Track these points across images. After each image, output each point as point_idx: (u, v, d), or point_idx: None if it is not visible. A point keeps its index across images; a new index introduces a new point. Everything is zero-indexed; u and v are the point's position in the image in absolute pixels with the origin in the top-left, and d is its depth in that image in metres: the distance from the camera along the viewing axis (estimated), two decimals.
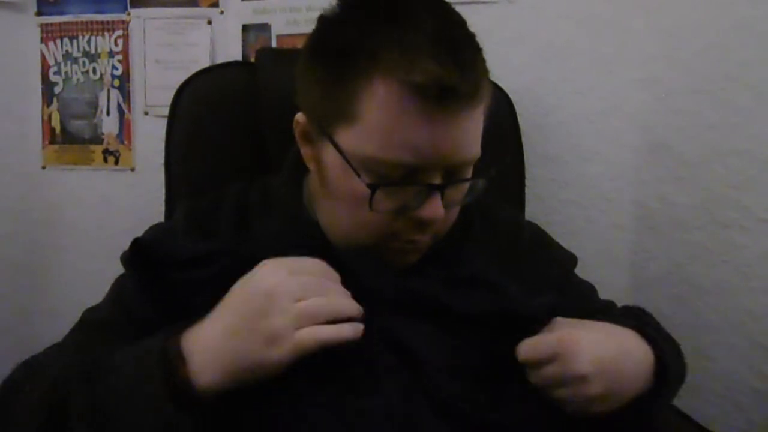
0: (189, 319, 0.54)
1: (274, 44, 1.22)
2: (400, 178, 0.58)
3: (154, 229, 0.72)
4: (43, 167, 1.35)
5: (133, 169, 1.32)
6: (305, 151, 0.65)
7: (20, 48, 1.32)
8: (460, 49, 0.55)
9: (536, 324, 0.60)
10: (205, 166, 0.94)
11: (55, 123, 1.34)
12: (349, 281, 0.56)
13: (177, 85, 0.95)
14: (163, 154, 0.95)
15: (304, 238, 0.66)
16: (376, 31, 0.56)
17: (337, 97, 0.58)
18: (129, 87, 1.30)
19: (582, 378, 0.56)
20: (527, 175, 1.05)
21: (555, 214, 1.14)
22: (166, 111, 0.95)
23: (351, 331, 0.52)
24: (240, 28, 1.24)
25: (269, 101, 0.93)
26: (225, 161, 0.94)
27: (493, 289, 0.63)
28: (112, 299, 0.66)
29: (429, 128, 0.55)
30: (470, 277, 0.65)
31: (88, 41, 1.30)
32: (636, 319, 0.70)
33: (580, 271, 0.80)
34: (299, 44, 1.22)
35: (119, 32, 1.29)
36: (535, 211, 1.08)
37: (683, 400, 0.73)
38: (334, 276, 0.55)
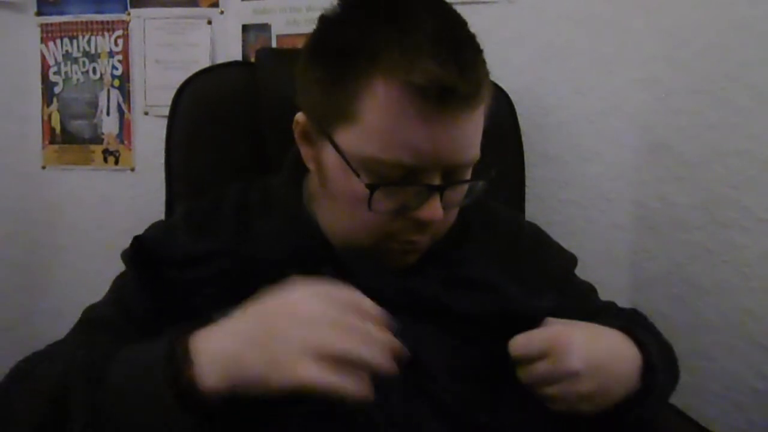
0: (194, 321, 0.53)
1: (274, 44, 1.22)
2: (399, 178, 0.58)
3: (155, 227, 0.72)
4: (43, 167, 1.35)
5: (133, 169, 1.32)
6: (305, 151, 0.65)
7: (20, 48, 1.32)
8: (461, 49, 0.55)
9: (536, 325, 0.60)
10: (205, 166, 0.94)
11: (55, 123, 1.34)
12: (348, 281, 0.56)
13: (177, 85, 0.95)
14: (163, 154, 0.95)
15: (303, 239, 0.66)
16: (377, 32, 0.56)
17: (337, 97, 0.58)
18: (129, 87, 1.30)
19: (574, 374, 0.56)
20: (527, 175, 1.05)
21: (555, 214, 1.14)
22: (166, 111, 0.95)
23: (356, 391, 0.46)
24: (240, 28, 1.24)
25: (269, 101, 0.93)
26: (225, 161, 0.94)
27: (492, 289, 0.63)
28: (112, 297, 0.66)
29: (429, 129, 0.55)
30: (470, 278, 0.65)
31: (88, 41, 1.30)
32: (629, 321, 0.70)
33: (580, 271, 0.80)
34: (299, 44, 1.22)
35: (119, 32, 1.29)
36: (535, 211, 1.08)
37: (683, 400, 0.74)
38: (369, 305, 0.50)
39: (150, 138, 1.27)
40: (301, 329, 0.47)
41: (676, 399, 0.79)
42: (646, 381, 0.60)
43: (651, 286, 1.10)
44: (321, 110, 0.60)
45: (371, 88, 0.55)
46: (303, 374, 0.45)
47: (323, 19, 0.62)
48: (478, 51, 0.58)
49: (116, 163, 1.32)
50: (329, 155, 0.60)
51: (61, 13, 1.30)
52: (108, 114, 1.31)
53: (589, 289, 0.79)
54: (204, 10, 1.25)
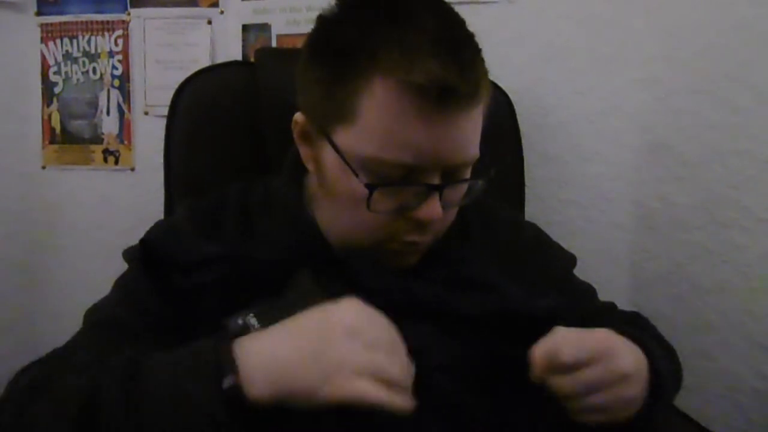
0: (218, 327, 0.53)
1: (274, 44, 1.22)
2: (398, 178, 0.57)
3: (158, 228, 0.71)
4: (43, 167, 1.35)
5: (133, 169, 1.32)
6: (304, 151, 0.65)
7: (20, 48, 1.32)
8: (460, 49, 0.55)
9: (536, 325, 0.59)
10: (205, 166, 0.94)
11: (55, 123, 1.34)
12: (349, 282, 0.56)
13: (177, 85, 0.95)
14: (163, 154, 0.94)
15: (304, 240, 0.66)
16: (376, 31, 0.56)
17: (337, 97, 0.58)
18: (129, 87, 1.30)
19: (625, 377, 0.54)
20: (527, 175, 1.05)
21: (555, 214, 1.14)
22: (166, 111, 0.95)
23: (403, 404, 0.49)
24: (240, 28, 1.24)
25: (269, 101, 0.93)
26: (225, 161, 0.94)
27: (493, 289, 0.63)
28: (119, 298, 0.65)
29: (428, 128, 0.55)
30: (470, 278, 0.65)
31: (88, 41, 1.30)
32: (631, 325, 0.70)
33: (580, 271, 0.80)
34: (299, 44, 1.22)
35: (119, 32, 1.29)
36: (535, 211, 1.08)
37: (683, 400, 0.73)
38: (402, 345, 0.52)
39: (150, 138, 1.27)
40: (357, 343, 0.49)
41: (676, 399, 0.79)
42: (654, 387, 0.59)
43: (651, 286, 1.10)
44: (320, 110, 0.60)
45: (370, 88, 0.55)
46: (360, 389, 0.47)
47: (322, 20, 0.62)
48: (477, 50, 0.58)
49: (116, 163, 1.32)
50: (328, 155, 0.60)
51: (61, 13, 1.30)
52: (108, 114, 1.31)
53: (589, 290, 0.79)
54: (204, 10, 1.25)
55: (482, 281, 0.64)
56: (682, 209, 1.06)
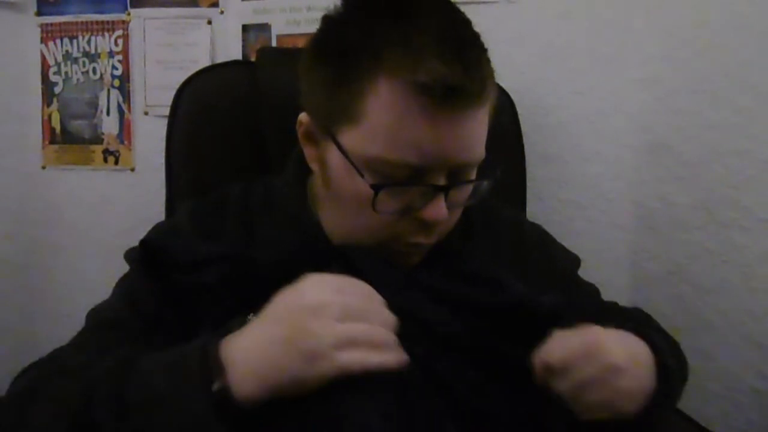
0: (218, 329, 0.53)
1: (274, 44, 1.22)
2: (404, 178, 0.57)
3: (158, 230, 0.71)
4: (43, 167, 1.35)
5: (133, 169, 1.32)
6: (308, 151, 0.65)
7: (20, 48, 1.32)
8: (466, 48, 0.55)
9: (540, 321, 0.59)
10: (205, 166, 0.94)
11: (55, 123, 1.34)
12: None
13: (177, 85, 0.95)
14: (163, 154, 0.95)
15: (306, 240, 0.65)
16: (380, 31, 0.56)
17: (341, 97, 0.57)
18: (129, 87, 1.30)
19: (617, 369, 0.54)
20: (527, 175, 1.05)
21: (555, 214, 1.14)
22: (166, 111, 0.95)
23: (395, 360, 0.50)
24: (240, 28, 1.24)
25: (269, 101, 0.93)
26: (225, 161, 0.94)
27: (497, 284, 0.63)
28: (120, 299, 0.65)
29: (434, 128, 0.55)
30: (474, 273, 0.65)
31: (88, 41, 1.30)
32: (636, 321, 0.70)
33: (580, 271, 0.80)
34: (299, 44, 1.23)
35: (119, 32, 1.29)
36: (535, 211, 1.08)
37: (683, 400, 0.73)
38: (378, 299, 0.53)
39: (150, 138, 1.27)
40: (325, 319, 0.49)
41: None
42: (663, 382, 0.59)
43: (651, 286, 1.10)
44: (325, 110, 0.60)
45: (375, 88, 0.55)
46: (350, 359, 0.48)
47: (326, 20, 0.61)
48: (482, 50, 0.58)
49: (116, 163, 1.32)
50: (333, 155, 0.60)
51: (61, 13, 1.30)
52: (108, 114, 1.31)
53: (593, 290, 0.79)
54: (204, 10, 1.25)
55: (486, 276, 0.64)
56: (682, 209, 1.06)
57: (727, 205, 1.02)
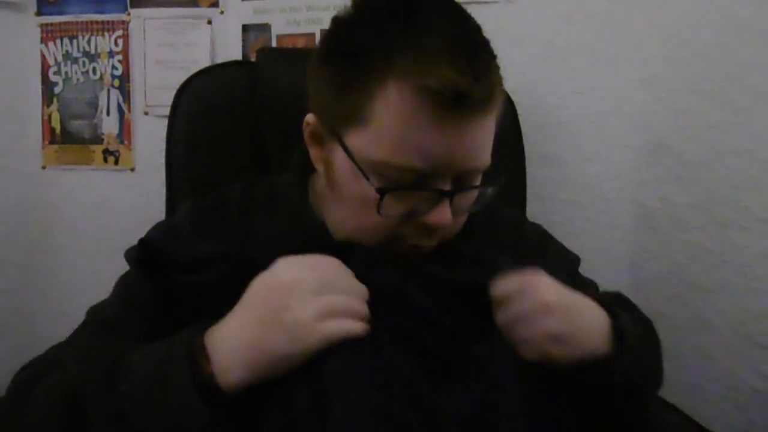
0: (206, 321, 0.54)
1: (274, 44, 1.22)
2: (409, 183, 0.57)
3: (158, 229, 0.71)
4: (43, 167, 1.35)
5: (133, 169, 1.32)
6: (314, 152, 0.65)
7: (20, 48, 1.32)
8: (476, 54, 0.55)
9: None
10: (205, 166, 0.94)
11: (55, 123, 1.34)
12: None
13: (177, 85, 0.95)
14: (163, 154, 0.94)
15: (308, 239, 0.65)
16: (392, 34, 0.56)
17: (349, 99, 0.57)
18: (129, 87, 1.30)
19: (546, 305, 0.56)
20: (527, 175, 1.04)
21: (555, 214, 1.14)
22: (166, 111, 0.95)
23: (363, 329, 0.54)
24: (240, 28, 1.24)
25: (269, 101, 0.93)
26: (225, 161, 0.94)
27: (494, 266, 0.63)
28: (118, 298, 0.66)
29: (441, 134, 0.55)
30: (475, 260, 0.65)
31: (88, 41, 1.30)
32: (608, 298, 0.69)
33: (580, 271, 0.80)
34: (299, 44, 1.23)
35: (119, 32, 1.29)
36: (535, 211, 1.08)
37: (683, 400, 0.73)
38: (348, 273, 0.56)
39: (150, 138, 1.27)
40: (302, 295, 0.52)
41: (677, 399, 0.79)
42: (616, 343, 0.59)
43: (651, 286, 1.10)
44: (332, 111, 0.60)
45: (384, 91, 0.55)
46: (326, 332, 0.51)
47: (336, 21, 0.61)
48: (492, 56, 0.58)
49: (116, 163, 1.32)
50: (339, 157, 0.60)
51: (61, 13, 1.30)
52: (108, 114, 1.31)
53: (593, 286, 0.79)
54: (204, 10, 1.25)
55: (482, 258, 0.64)
56: (682, 209, 1.06)
57: (727, 205, 1.02)
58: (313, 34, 1.19)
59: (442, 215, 0.58)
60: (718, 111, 1.02)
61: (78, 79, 1.32)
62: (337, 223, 0.65)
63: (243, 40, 1.24)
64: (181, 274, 0.61)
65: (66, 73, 1.32)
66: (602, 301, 0.63)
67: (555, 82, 1.13)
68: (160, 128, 0.96)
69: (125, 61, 1.29)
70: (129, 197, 1.31)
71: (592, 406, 0.60)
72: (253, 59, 1.14)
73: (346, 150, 0.58)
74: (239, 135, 0.95)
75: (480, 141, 0.58)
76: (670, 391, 0.78)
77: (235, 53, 1.24)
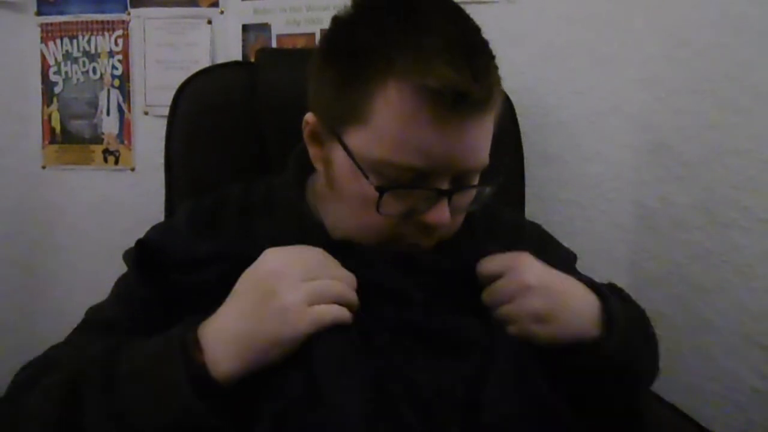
0: (199, 315, 0.55)
1: (274, 44, 1.22)
2: (408, 181, 0.58)
3: (157, 230, 0.72)
4: (43, 167, 1.35)
5: (133, 169, 1.32)
6: (314, 151, 0.65)
7: (20, 48, 1.32)
8: (475, 55, 0.55)
9: None
10: (205, 166, 0.94)
11: (55, 123, 1.34)
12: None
13: (177, 85, 0.95)
14: (163, 154, 0.95)
15: (307, 239, 0.66)
16: (392, 34, 0.56)
17: (349, 98, 0.58)
18: (129, 87, 1.30)
19: (527, 287, 0.57)
20: (527, 175, 1.05)
21: (555, 214, 1.14)
22: (166, 111, 0.95)
23: (351, 313, 0.55)
24: (240, 28, 1.24)
25: (269, 101, 0.93)
26: (225, 161, 0.94)
27: (485, 252, 0.63)
28: (116, 299, 0.66)
29: (440, 133, 0.55)
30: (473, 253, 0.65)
31: (88, 41, 1.30)
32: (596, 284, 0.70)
33: (579, 270, 0.80)
34: (299, 44, 1.23)
35: (119, 32, 1.29)
36: (535, 211, 1.08)
37: (683, 400, 0.73)
38: (335, 261, 0.57)
39: (150, 138, 1.27)
40: (290, 280, 0.53)
41: (677, 399, 0.79)
42: (606, 325, 0.60)
43: (651, 286, 1.10)
44: (332, 110, 0.60)
45: (384, 91, 0.56)
46: (315, 316, 0.52)
47: (336, 20, 0.62)
48: (491, 57, 0.59)
49: (116, 163, 1.32)
50: (338, 156, 0.60)
51: (61, 13, 1.30)
52: (108, 114, 1.31)
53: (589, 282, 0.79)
54: (204, 10, 1.25)
55: (474, 249, 0.65)
56: (682, 209, 1.06)
57: (727, 205, 1.02)
58: (313, 34, 1.19)
59: (441, 214, 0.59)
60: (718, 111, 1.02)
61: (78, 79, 1.32)
62: (336, 222, 0.66)
63: (243, 40, 1.24)
64: (180, 274, 0.62)
65: (66, 72, 1.32)
66: (594, 285, 0.64)
67: (555, 82, 1.13)
68: (160, 128, 0.96)
69: (125, 61, 1.29)
70: (129, 197, 1.31)
71: (583, 388, 0.60)
72: (252, 59, 1.14)
73: (345, 149, 0.59)
74: (239, 135, 0.95)
75: (478, 140, 0.59)
76: (670, 391, 0.78)
77: (235, 53, 1.24)
